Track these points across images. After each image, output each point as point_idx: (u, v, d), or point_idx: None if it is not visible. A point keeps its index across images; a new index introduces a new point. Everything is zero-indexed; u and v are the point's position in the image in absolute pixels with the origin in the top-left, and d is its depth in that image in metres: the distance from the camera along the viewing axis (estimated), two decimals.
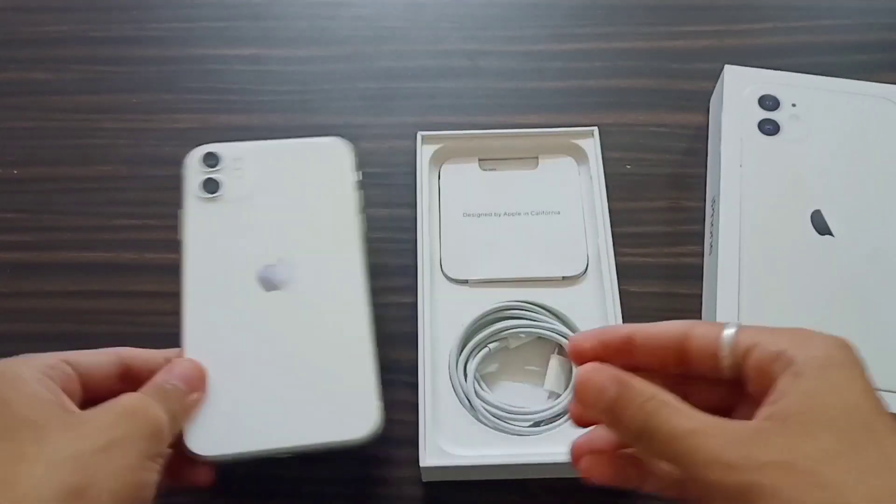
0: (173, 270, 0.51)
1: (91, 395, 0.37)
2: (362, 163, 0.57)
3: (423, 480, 0.45)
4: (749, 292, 0.47)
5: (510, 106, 0.59)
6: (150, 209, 0.55)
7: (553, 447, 0.44)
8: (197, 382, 0.40)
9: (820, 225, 0.50)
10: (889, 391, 0.44)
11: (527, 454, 0.44)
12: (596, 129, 0.54)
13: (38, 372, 0.35)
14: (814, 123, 0.54)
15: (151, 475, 0.34)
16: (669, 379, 0.33)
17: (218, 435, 0.40)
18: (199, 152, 0.49)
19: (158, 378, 0.38)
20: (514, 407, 0.46)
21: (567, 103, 0.59)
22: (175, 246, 0.52)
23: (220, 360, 0.42)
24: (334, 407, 0.41)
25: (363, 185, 0.49)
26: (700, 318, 0.50)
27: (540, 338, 0.48)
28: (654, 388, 0.31)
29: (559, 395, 0.47)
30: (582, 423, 0.34)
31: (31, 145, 0.58)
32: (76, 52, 0.62)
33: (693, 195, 0.55)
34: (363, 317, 0.44)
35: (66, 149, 0.58)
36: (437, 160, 0.55)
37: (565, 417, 0.46)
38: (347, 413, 0.41)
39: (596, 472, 0.34)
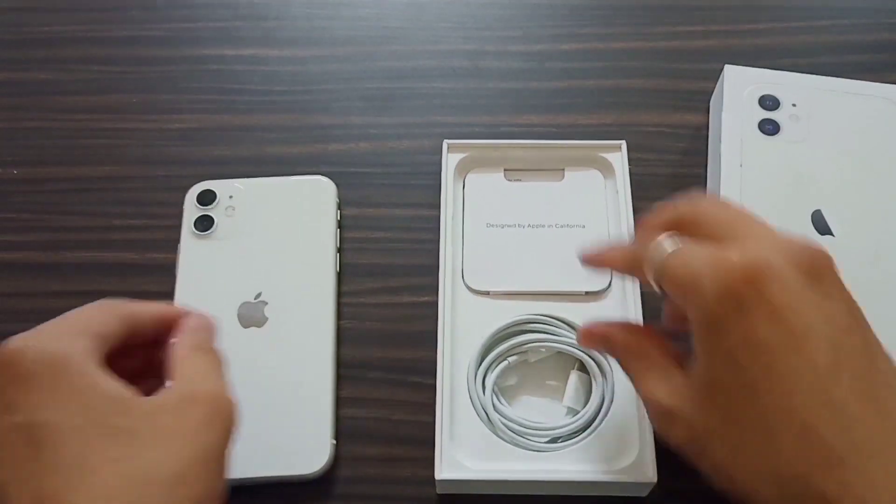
0: (173, 270, 0.51)
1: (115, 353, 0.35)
2: (363, 163, 0.57)
3: (438, 493, 0.45)
4: None
5: (510, 106, 0.59)
6: (150, 209, 0.55)
7: (571, 464, 0.44)
8: (214, 334, 0.39)
9: (820, 225, 0.50)
10: None
11: (544, 470, 0.43)
12: (624, 143, 0.54)
13: (89, 355, 0.32)
14: (814, 123, 0.54)
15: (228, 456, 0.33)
16: None
17: None
18: (195, 190, 0.53)
19: (190, 329, 0.37)
20: (532, 422, 0.45)
21: (567, 103, 0.59)
22: (174, 246, 0.52)
23: None
24: (290, 442, 0.45)
25: (343, 224, 0.53)
26: None
27: (560, 353, 0.47)
28: (627, 344, 0.39)
29: (578, 412, 0.46)
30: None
31: (31, 145, 0.58)
32: (76, 52, 0.62)
33: (690, 187, 0.55)
34: (327, 356, 0.48)
35: (66, 149, 0.58)
36: (462, 169, 0.54)
37: (584, 434, 0.45)
38: (301, 449, 0.45)
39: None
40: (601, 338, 0.40)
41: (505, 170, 0.53)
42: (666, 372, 0.36)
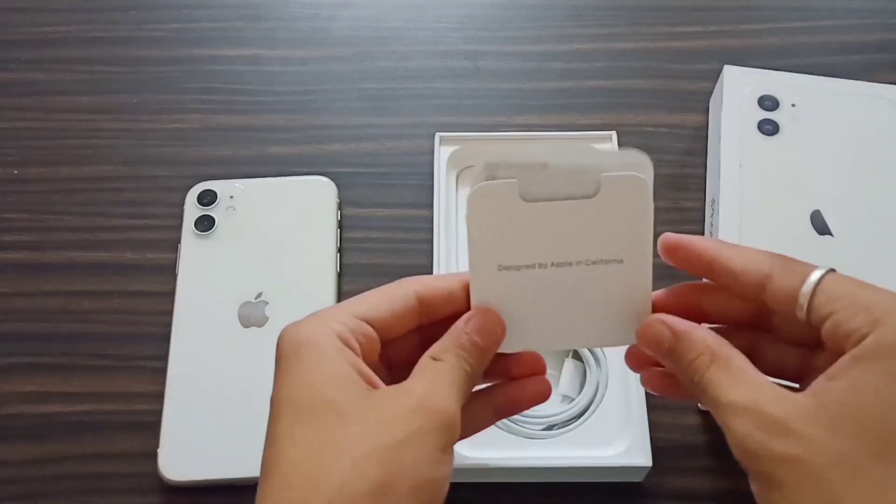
0: (173, 270, 0.51)
1: (389, 345, 0.35)
2: (363, 163, 0.57)
3: None
4: None
5: (510, 106, 0.59)
6: (150, 209, 0.55)
7: (567, 451, 0.44)
8: (493, 337, 0.35)
9: (819, 225, 0.50)
10: None
11: (539, 457, 0.44)
12: (614, 133, 0.54)
13: (336, 340, 0.32)
14: (813, 123, 0.54)
15: (447, 469, 0.32)
16: (747, 329, 0.35)
17: (188, 461, 0.45)
18: (196, 190, 0.53)
19: (456, 331, 0.34)
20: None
21: (567, 104, 0.59)
22: (175, 246, 0.52)
23: (198, 391, 0.47)
24: None
25: (343, 224, 0.53)
26: None
27: None
28: (711, 341, 0.32)
29: (573, 399, 0.47)
30: (637, 364, 0.37)
31: (31, 145, 0.58)
32: (76, 52, 0.62)
33: (692, 195, 0.55)
34: None
35: (66, 149, 0.58)
36: (455, 163, 0.54)
37: (579, 421, 0.46)
38: None
39: (656, 385, 0.37)
40: (678, 335, 0.33)
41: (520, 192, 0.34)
42: (764, 380, 0.31)
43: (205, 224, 0.52)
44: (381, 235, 0.54)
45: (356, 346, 0.32)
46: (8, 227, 0.55)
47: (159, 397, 0.47)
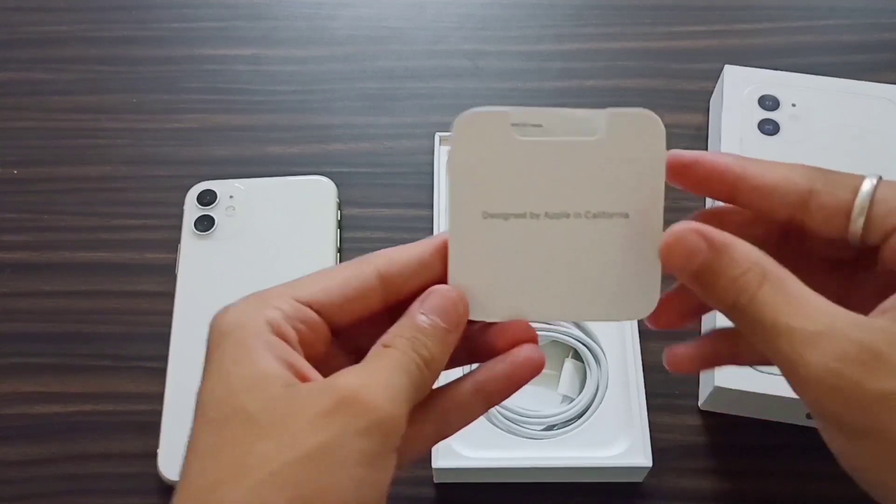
0: (173, 270, 0.51)
1: (347, 325, 0.29)
2: (363, 163, 0.57)
3: (436, 481, 0.45)
4: None
5: (511, 106, 0.59)
6: (150, 209, 0.55)
7: (567, 451, 0.44)
8: (456, 318, 0.29)
9: None
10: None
11: (539, 458, 0.44)
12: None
13: (266, 328, 0.27)
14: (814, 123, 0.54)
15: (381, 483, 0.26)
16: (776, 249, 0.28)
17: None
18: (196, 190, 0.53)
19: (410, 313, 0.29)
20: (528, 410, 0.46)
21: (567, 103, 0.59)
22: (174, 246, 0.52)
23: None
24: None
25: (343, 224, 0.53)
26: (700, 321, 0.50)
27: (555, 341, 0.48)
28: (758, 255, 0.26)
29: (573, 399, 0.47)
30: (658, 323, 0.30)
31: (31, 145, 0.58)
32: (76, 52, 0.62)
33: (693, 195, 0.55)
34: None
35: (66, 149, 0.58)
36: None
37: (579, 421, 0.46)
38: None
39: (683, 363, 0.30)
40: (717, 247, 0.27)
41: (513, 124, 0.31)
42: (829, 303, 0.25)
43: (204, 224, 0.52)
44: (381, 235, 0.54)
45: (292, 335, 0.28)
46: (7, 227, 0.55)
47: (159, 397, 0.47)
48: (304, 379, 0.27)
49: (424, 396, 0.29)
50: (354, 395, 0.26)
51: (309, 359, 0.28)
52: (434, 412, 0.30)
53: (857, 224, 0.26)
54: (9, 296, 0.52)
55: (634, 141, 0.29)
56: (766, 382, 0.44)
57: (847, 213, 0.26)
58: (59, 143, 0.58)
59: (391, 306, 0.30)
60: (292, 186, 0.54)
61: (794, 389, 0.25)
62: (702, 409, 0.48)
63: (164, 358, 0.48)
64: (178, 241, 0.52)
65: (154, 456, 0.46)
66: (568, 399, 0.47)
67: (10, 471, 0.47)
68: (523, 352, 0.30)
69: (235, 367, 0.27)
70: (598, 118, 0.30)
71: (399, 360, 0.28)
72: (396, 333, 0.28)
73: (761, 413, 0.47)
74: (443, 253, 0.30)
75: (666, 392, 0.48)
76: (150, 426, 0.47)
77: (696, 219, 0.28)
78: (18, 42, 0.63)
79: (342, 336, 0.30)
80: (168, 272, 0.51)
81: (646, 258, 0.29)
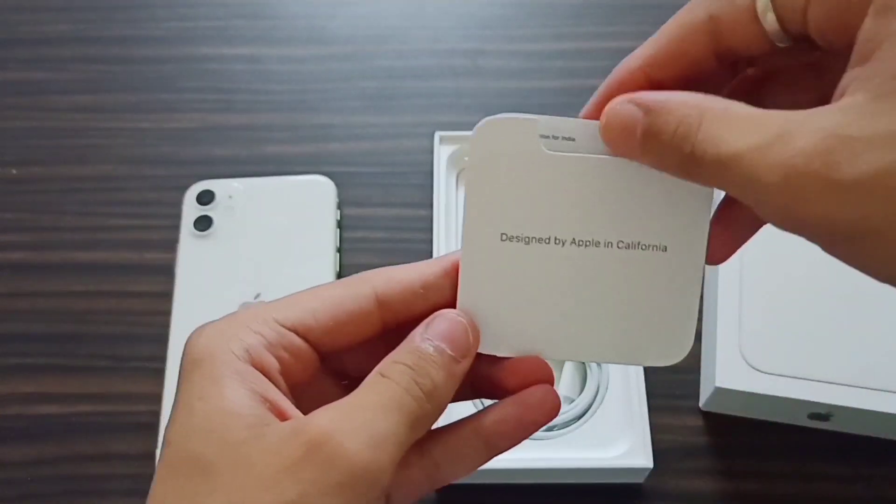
0: (172, 270, 0.51)
1: (338, 352, 0.27)
2: (362, 162, 0.57)
3: None
4: (750, 292, 0.47)
5: (511, 106, 0.59)
6: (149, 209, 0.55)
7: (567, 452, 0.44)
8: (465, 346, 0.26)
9: None
10: (891, 392, 0.44)
11: (540, 458, 0.44)
12: None
13: (239, 357, 0.24)
14: None
15: None
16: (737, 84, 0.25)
17: None
18: (195, 190, 0.53)
19: (412, 338, 0.26)
20: None
21: (568, 103, 0.59)
22: (173, 246, 0.52)
23: None
24: None
25: (343, 224, 0.52)
26: (701, 322, 0.50)
27: None
28: (696, 99, 0.23)
29: (573, 400, 0.46)
30: (717, 260, 0.27)
31: (30, 145, 0.58)
32: (76, 51, 0.62)
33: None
34: None
35: (65, 149, 0.58)
36: (456, 163, 0.54)
37: (580, 421, 0.46)
38: None
39: (720, 257, 0.27)
40: (651, 109, 0.24)
41: (541, 136, 0.27)
42: (781, 112, 0.21)
43: (203, 224, 0.52)
44: (380, 235, 0.54)
45: (272, 364, 0.25)
46: (6, 226, 0.54)
47: (158, 398, 0.47)
48: (281, 416, 0.24)
49: (422, 436, 0.25)
50: (326, 440, 0.22)
51: (293, 390, 0.25)
52: (427, 456, 0.26)
53: (770, 20, 0.23)
54: (8, 296, 0.52)
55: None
56: (767, 383, 0.44)
57: (756, 18, 0.23)
58: (58, 142, 0.58)
59: (390, 332, 0.26)
60: (291, 186, 0.54)
61: (767, 219, 0.22)
62: (702, 409, 0.48)
63: (163, 358, 0.48)
64: (177, 240, 0.52)
65: (153, 456, 0.45)
66: (568, 399, 0.47)
67: (10, 471, 0.46)
68: (537, 393, 0.27)
69: (200, 404, 0.24)
70: None
71: (394, 392, 0.24)
72: (395, 360, 0.25)
73: (761, 413, 0.47)
74: (451, 276, 0.27)
75: (666, 393, 0.48)
76: (149, 426, 0.47)
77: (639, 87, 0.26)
78: (18, 42, 0.62)
79: (333, 363, 0.27)
80: (167, 272, 0.51)
81: (682, 299, 0.27)
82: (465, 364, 0.26)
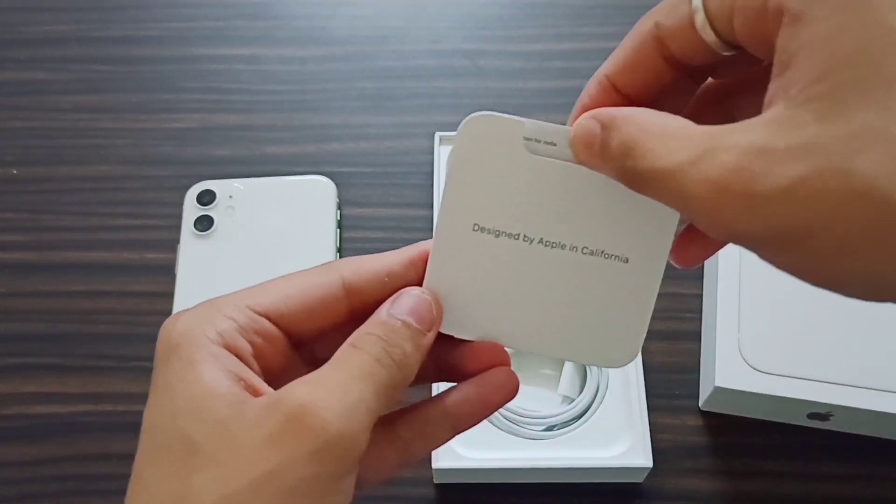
0: (172, 270, 0.51)
1: (309, 337, 0.28)
2: (362, 162, 0.57)
3: (436, 482, 0.45)
4: (750, 292, 0.47)
5: (511, 106, 0.59)
6: (150, 209, 0.55)
7: (567, 451, 0.44)
8: (430, 320, 0.27)
9: None
10: (890, 392, 0.44)
11: (540, 458, 0.44)
12: None
13: (214, 340, 0.25)
14: None
15: (333, 499, 0.24)
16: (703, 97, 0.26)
17: None
18: (195, 190, 0.53)
19: (380, 312, 0.27)
20: (528, 410, 0.46)
21: (568, 103, 0.58)
22: (174, 246, 0.52)
23: None
24: None
25: (343, 224, 0.52)
26: (701, 322, 0.50)
27: None
28: (640, 116, 0.23)
29: (573, 400, 0.46)
30: (688, 261, 0.28)
31: (30, 145, 0.58)
32: (76, 51, 0.62)
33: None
34: None
35: (65, 149, 0.58)
36: None
37: (580, 421, 0.46)
38: None
39: (691, 260, 0.28)
40: (606, 123, 0.25)
41: (524, 138, 0.28)
42: (701, 127, 0.22)
43: (204, 224, 0.52)
44: (380, 235, 0.54)
45: (245, 348, 0.26)
46: (6, 226, 0.55)
47: None
48: (255, 394, 0.25)
49: (394, 405, 0.26)
50: (303, 411, 0.24)
51: (265, 373, 0.26)
52: (396, 435, 0.28)
53: (706, 30, 0.23)
54: (8, 296, 0.52)
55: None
56: (766, 382, 0.44)
57: (693, 27, 0.23)
58: (58, 142, 0.58)
59: (357, 318, 0.27)
60: (292, 186, 0.54)
61: (704, 230, 0.22)
62: (702, 409, 0.48)
63: None
64: (178, 240, 0.52)
65: None
66: (568, 399, 0.47)
67: (10, 471, 0.47)
68: (497, 375, 0.28)
69: (182, 386, 0.25)
70: None
71: (365, 362, 0.25)
72: (365, 331, 0.26)
73: (761, 413, 0.47)
74: (416, 265, 0.28)
75: (666, 392, 0.48)
76: None
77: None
78: (17, 42, 0.63)
79: (304, 348, 0.28)
80: (167, 272, 0.51)
81: (636, 309, 0.28)
82: (431, 336, 0.27)
